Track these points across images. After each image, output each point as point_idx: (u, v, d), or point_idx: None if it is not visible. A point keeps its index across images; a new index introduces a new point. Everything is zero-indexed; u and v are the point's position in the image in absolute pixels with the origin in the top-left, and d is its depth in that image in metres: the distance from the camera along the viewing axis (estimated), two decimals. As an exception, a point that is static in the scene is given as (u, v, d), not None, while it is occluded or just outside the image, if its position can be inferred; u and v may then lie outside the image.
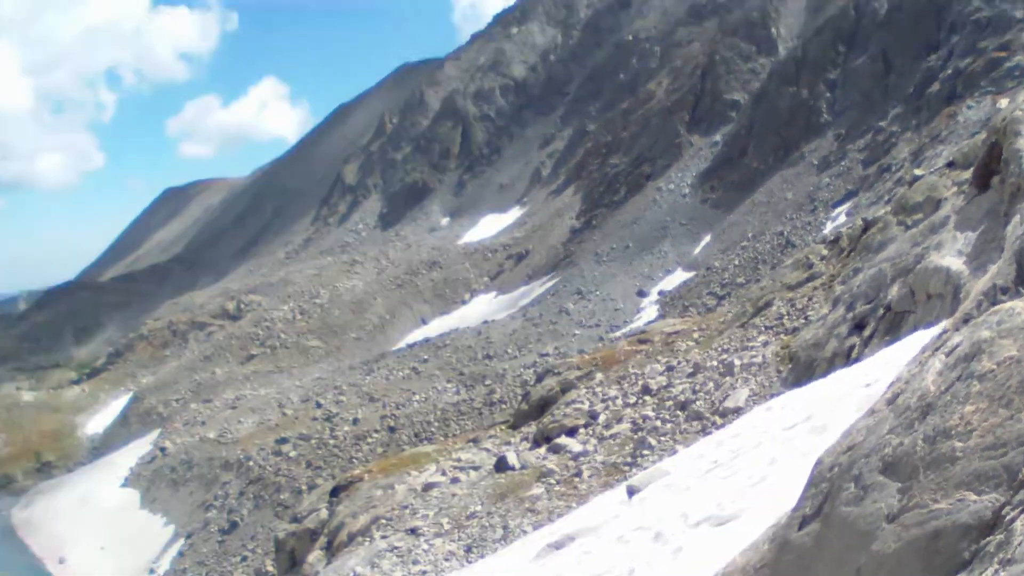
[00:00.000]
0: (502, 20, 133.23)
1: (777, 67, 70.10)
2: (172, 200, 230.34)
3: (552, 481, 22.76)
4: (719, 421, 20.25)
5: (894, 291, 16.08)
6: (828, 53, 64.87)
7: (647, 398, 25.74)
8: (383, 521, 24.90)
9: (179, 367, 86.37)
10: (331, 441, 57.20)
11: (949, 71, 53.12)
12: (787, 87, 65.91)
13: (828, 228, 49.89)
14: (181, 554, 56.87)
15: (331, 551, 27.16)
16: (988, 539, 3.30)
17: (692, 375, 24.98)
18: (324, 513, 30.97)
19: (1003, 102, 38.83)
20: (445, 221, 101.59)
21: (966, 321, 4.54)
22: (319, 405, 63.13)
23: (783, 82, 66.82)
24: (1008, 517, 3.26)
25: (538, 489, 22.50)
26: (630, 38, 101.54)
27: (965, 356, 4.01)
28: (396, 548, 22.40)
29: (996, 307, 4.23)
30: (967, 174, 15.54)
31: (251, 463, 59.22)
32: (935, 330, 8.42)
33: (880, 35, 61.42)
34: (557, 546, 12.56)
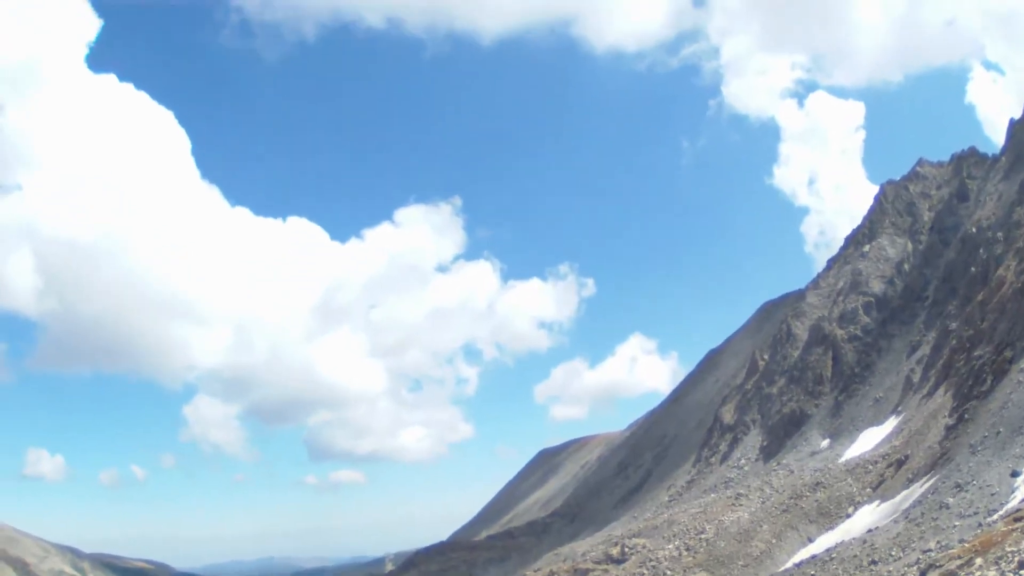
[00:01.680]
0: (854, 240, 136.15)
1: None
2: (547, 461, 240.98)
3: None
4: None
5: None
6: None
7: (1022, 572, 27.90)
8: None
9: None
10: (725, 660, 59.16)
11: None
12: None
13: None
14: None
15: None
16: None
17: None
18: None
19: None
20: (825, 443, 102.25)
21: None
22: (709, 630, 65.30)
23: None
24: None
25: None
26: (973, 230, 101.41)
27: None
28: None
29: None
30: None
31: None
32: None
33: None
34: None
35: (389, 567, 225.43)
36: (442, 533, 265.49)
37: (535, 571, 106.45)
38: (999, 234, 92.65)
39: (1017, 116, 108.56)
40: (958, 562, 34.30)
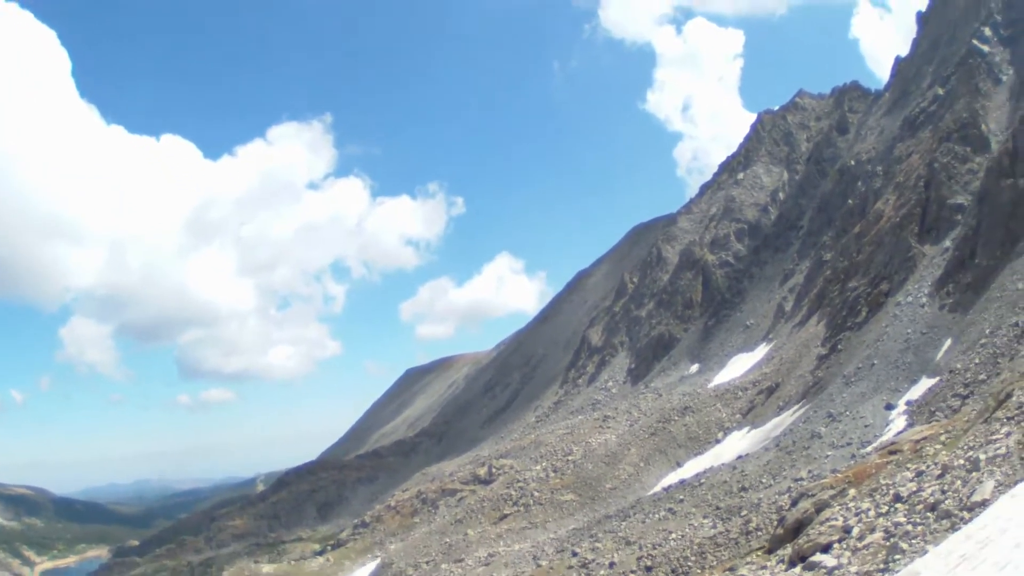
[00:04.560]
0: (728, 167, 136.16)
1: (992, 163, 68.51)
2: (414, 380, 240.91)
3: (807, 598, 23.55)
4: (967, 516, 20.99)
5: None
6: (1038, 137, 63.59)
7: (898, 505, 26.40)
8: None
9: (429, 532, 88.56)
10: (587, 586, 57.83)
11: None
12: (1005, 180, 64.22)
13: (1060, 308, 48.21)
14: None
15: None
16: None
17: (940, 476, 25.85)
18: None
19: None
20: (694, 368, 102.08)
21: None
22: (575, 554, 63.69)
23: (1000, 176, 65.14)
24: None
25: (793, 607, 23.38)
26: (852, 163, 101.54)
27: None
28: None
29: None
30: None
31: (506, 613, 60.45)
32: None
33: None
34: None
35: (260, 488, 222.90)
36: (312, 452, 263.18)
37: (403, 491, 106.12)
38: (879, 168, 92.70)
39: (903, 54, 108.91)
40: (831, 492, 33.02)
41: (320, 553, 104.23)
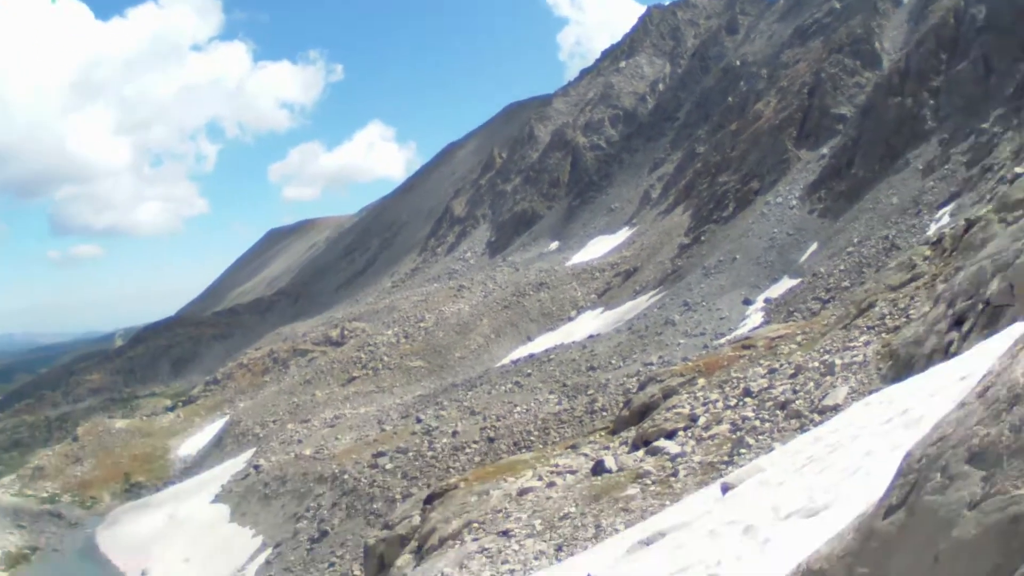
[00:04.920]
0: (611, 55, 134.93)
1: (882, 79, 68.79)
2: (276, 240, 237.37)
3: (648, 482, 22.75)
4: (818, 419, 20.23)
5: (994, 286, 16.12)
6: (931, 62, 63.76)
7: (748, 400, 25.53)
8: (475, 525, 24.95)
9: (278, 391, 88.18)
10: (429, 453, 57.24)
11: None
12: (892, 98, 64.51)
13: (932, 230, 48.40)
14: (268, 562, 57.62)
15: (421, 555, 27.17)
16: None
17: (793, 376, 24.99)
18: (416, 519, 31.00)
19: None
20: (554, 245, 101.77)
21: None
22: (419, 420, 63.49)
23: (888, 93, 65.45)
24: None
25: (633, 489, 22.66)
26: (737, 63, 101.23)
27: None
28: (486, 549, 22.48)
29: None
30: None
31: (346, 476, 59.78)
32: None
33: (980, 40, 60.04)
34: (647, 542, 12.64)
35: (119, 343, 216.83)
36: (174, 308, 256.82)
37: (256, 349, 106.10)
38: (764, 71, 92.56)
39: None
40: (680, 379, 32.49)
41: (171, 409, 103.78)
